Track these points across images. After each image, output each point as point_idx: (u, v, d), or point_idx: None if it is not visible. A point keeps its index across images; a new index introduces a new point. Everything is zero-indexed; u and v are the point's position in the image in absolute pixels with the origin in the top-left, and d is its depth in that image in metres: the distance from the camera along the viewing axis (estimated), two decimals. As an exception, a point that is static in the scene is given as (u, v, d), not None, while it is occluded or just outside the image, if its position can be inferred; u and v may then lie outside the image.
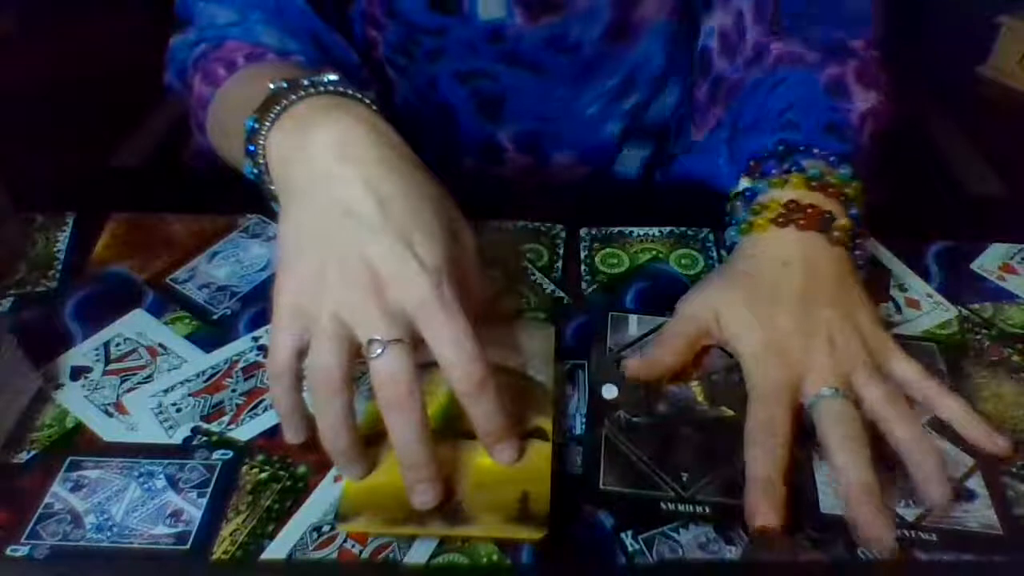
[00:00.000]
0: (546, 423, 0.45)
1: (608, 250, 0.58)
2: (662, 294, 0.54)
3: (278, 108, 0.45)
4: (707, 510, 0.41)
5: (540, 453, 0.43)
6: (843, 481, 0.41)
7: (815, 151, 0.52)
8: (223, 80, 0.58)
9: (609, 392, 0.47)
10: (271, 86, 0.46)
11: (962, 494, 0.42)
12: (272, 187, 0.46)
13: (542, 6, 0.63)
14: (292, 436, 0.44)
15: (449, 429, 0.44)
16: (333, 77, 0.46)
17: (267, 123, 0.45)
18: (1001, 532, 0.41)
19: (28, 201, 0.60)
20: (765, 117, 0.58)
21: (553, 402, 0.46)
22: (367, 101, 0.46)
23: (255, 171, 0.47)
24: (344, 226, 0.41)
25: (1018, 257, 0.57)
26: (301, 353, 0.41)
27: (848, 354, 0.45)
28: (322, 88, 0.46)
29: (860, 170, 0.52)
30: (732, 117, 0.63)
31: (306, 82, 0.46)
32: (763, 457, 0.42)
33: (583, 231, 0.59)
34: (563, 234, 0.59)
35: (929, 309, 0.53)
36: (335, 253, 0.41)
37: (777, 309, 0.46)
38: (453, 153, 0.73)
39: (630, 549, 0.40)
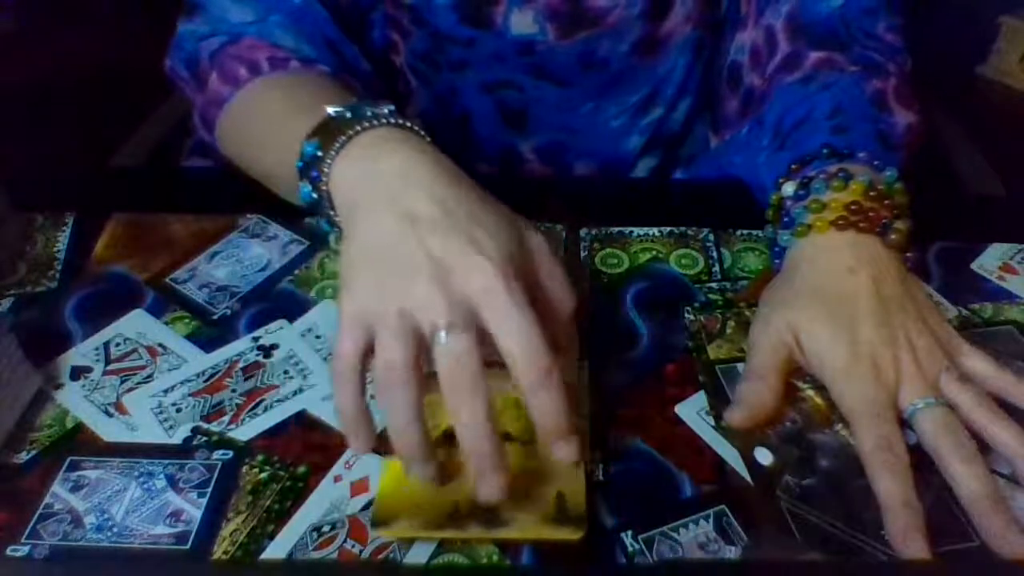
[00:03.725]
0: (577, 423, 0.44)
1: (608, 250, 0.58)
2: (662, 294, 0.55)
3: (343, 138, 0.45)
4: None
5: None
6: (965, 492, 0.41)
7: (860, 155, 0.51)
8: (245, 81, 0.57)
9: (764, 457, 0.44)
10: (330, 112, 0.46)
11: None
12: (331, 212, 0.46)
13: (574, 22, 0.63)
14: (356, 443, 0.40)
15: None
16: (391, 107, 0.47)
17: (332, 151, 0.45)
18: None
19: (28, 201, 0.60)
20: (812, 119, 0.57)
21: (583, 402, 0.46)
22: (423, 133, 0.46)
23: (314, 196, 0.46)
24: (406, 231, 0.40)
25: (1018, 257, 0.57)
26: (366, 356, 0.40)
27: (931, 359, 0.45)
28: (384, 120, 0.46)
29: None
30: (774, 118, 0.61)
31: (369, 112, 0.46)
32: (894, 481, 0.41)
33: (583, 231, 0.59)
34: (563, 234, 0.59)
35: (929, 309, 0.53)
36: (399, 255, 0.40)
37: (856, 321, 0.45)
38: (469, 160, 0.73)
39: (630, 549, 0.40)
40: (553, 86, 0.68)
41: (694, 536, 0.41)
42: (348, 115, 0.46)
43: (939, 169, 0.83)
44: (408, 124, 0.46)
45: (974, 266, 0.57)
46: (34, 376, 0.47)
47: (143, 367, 0.49)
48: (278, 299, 0.54)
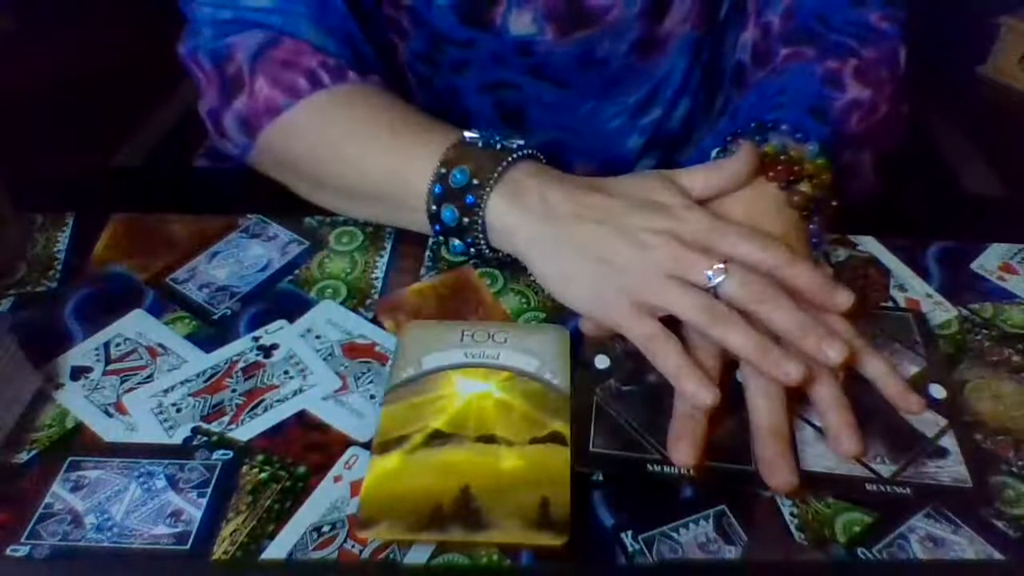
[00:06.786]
0: (564, 427, 0.44)
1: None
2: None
3: (499, 169, 0.49)
4: (691, 471, 0.43)
5: (559, 458, 0.43)
6: (754, 421, 0.44)
7: (783, 127, 0.53)
8: (306, 92, 0.56)
9: (602, 362, 0.49)
10: (467, 137, 0.51)
11: (936, 452, 0.45)
12: (480, 235, 0.50)
13: (573, 22, 0.63)
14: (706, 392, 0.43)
15: (465, 433, 0.44)
16: (521, 142, 0.51)
17: (490, 181, 0.49)
18: (970, 485, 0.43)
19: (28, 201, 0.60)
20: (757, 101, 0.59)
21: (570, 406, 0.46)
22: (540, 157, 0.53)
23: (463, 220, 0.50)
24: (599, 225, 0.47)
25: (1018, 257, 0.57)
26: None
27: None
28: (521, 153, 0.51)
29: (838, 157, 0.53)
30: (730, 107, 0.64)
31: (514, 145, 0.51)
32: (689, 380, 0.44)
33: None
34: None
35: (929, 309, 0.53)
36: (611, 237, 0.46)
37: None
38: None
39: (630, 549, 0.40)
40: (552, 86, 0.68)
41: (694, 536, 0.41)
42: (490, 144, 0.50)
43: (939, 169, 0.83)
44: (532, 152, 0.52)
45: (974, 266, 0.57)
46: (34, 376, 0.47)
47: (143, 367, 0.49)
48: (278, 299, 0.54)
